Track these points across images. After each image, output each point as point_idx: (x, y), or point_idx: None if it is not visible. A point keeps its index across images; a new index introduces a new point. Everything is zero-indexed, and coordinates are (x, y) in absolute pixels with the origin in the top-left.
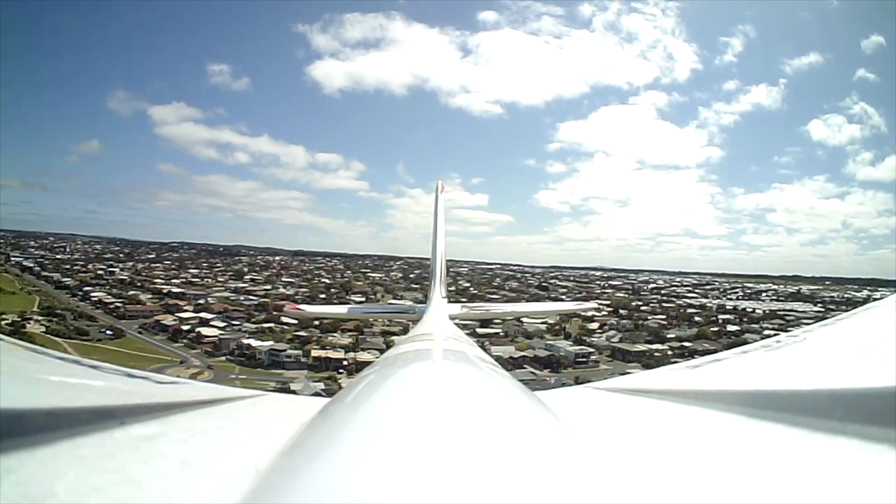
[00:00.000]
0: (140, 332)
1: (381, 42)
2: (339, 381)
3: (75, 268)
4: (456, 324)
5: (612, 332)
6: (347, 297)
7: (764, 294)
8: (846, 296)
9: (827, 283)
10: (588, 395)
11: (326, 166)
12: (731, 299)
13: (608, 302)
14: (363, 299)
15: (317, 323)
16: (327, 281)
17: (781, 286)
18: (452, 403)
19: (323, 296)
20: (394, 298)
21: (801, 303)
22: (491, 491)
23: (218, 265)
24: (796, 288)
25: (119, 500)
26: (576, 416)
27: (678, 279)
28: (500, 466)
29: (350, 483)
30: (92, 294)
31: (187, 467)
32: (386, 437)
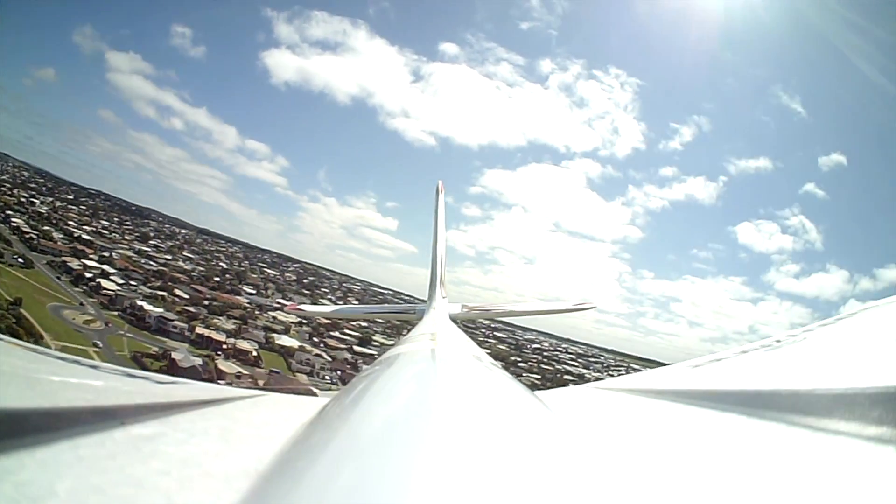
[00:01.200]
0: (47, 267)
1: (340, 47)
2: (216, 360)
3: (2, 189)
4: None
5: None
6: (239, 286)
7: None
8: None
9: None
10: (588, 394)
11: (253, 154)
12: (611, 375)
13: (489, 353)
14: (254, 292)
15: (206, 303)
16: (224, 265)
17: None
18: (453, 403)
19: (217, 279)
20: (283, 297)
21: None
22: (492, 491)
23: (128, 223)
24: None
25: (119, 500)
26: (576, 415)
27: (564, 345)
28: (501, 466)
29: (350, 483)
30: (12, 219)
31: (187, 467)
32: (386, 437)
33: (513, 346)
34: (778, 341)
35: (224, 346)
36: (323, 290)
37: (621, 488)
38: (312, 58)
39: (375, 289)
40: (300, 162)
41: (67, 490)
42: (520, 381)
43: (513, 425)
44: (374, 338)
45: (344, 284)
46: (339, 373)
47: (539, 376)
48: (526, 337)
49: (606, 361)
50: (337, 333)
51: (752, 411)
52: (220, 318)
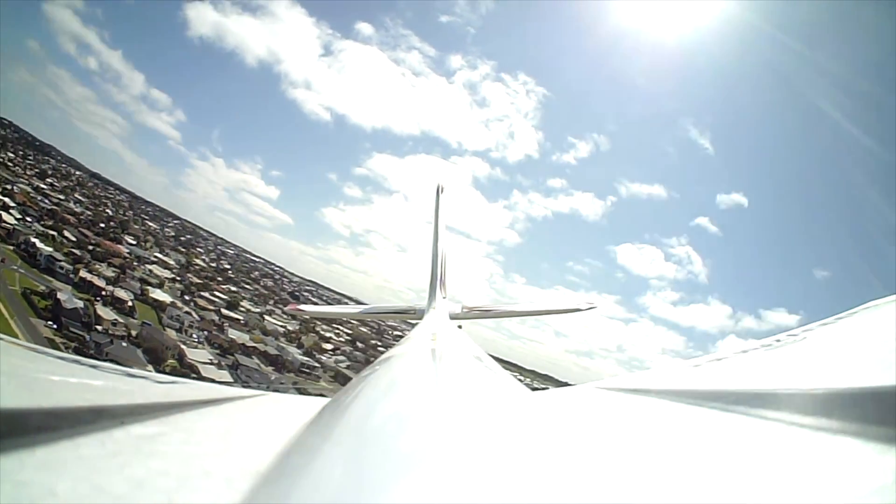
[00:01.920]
0: None
1: (261, 10)
2: (96, 306)
3: None
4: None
5: (342, 358)
6: (122, 235)
7: None
8: None
9: None
10: (588, 394)
11: (155, 103)
12: None
13: (350, 332)
14: (135, 243)
15: (90, 247)
16: (110, 212)
17: (529, 378)
18: (453, 403)
19: (102, 225)
20: (160, 252)
21: None
22: (492, 491)
23: (30, 158)
24: (545, 386)
25: (119, 500)
26: (576, 415)
27: None
28: (501, 466)
29: (351, 483)
30: None
31: (187, 467)
32: (387, 437)
33: (375, 330)
34: (778, 341)
35: (103, 293)
36: (198, 249)
37: (621, 488)
38: (232, 16)
39: (248, 255)
40: (197, 118)
41: (67, 490)
42: (520, 381)
43: (513, 425)
44: (241, 303)
45: (219, 247)
46: (206, 333)
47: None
48: (389, 323)
49: None
50: (207, 294)
51: (752, 411)
52: (102, 264)
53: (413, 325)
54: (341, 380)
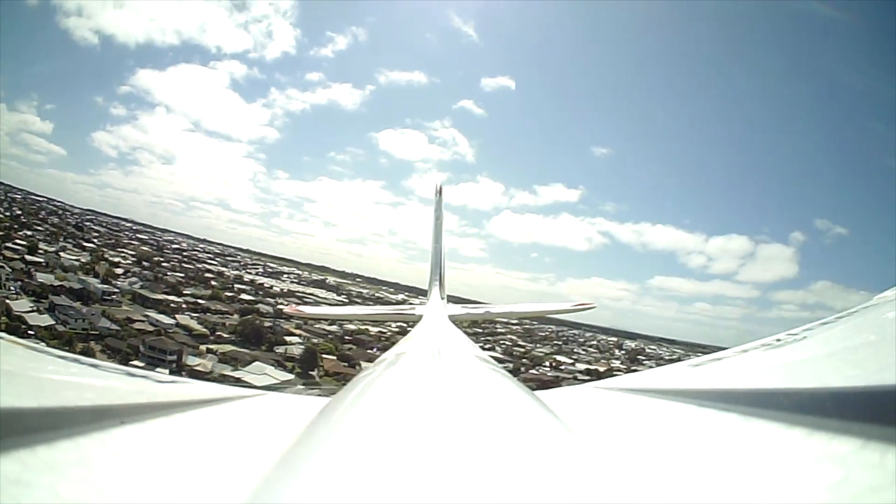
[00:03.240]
0: None
1: None
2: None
3: None
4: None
5: (134, 279)
6: None
7: (286, 276)
8: (378, 294)
9: (358, 279)
10: (588, 394)
11: None
12: (249, 273)
13: (133, 253)
14: None
15: None
16: None
17: (306, 272)
18: (453, 404)
19: None
20: None
21: (323, 290)
22: (492, 491)
23: None
24: (322, 277)
25: (119, 500)
26: (576, 415)
27: (202, 245)
28: (501, 466)
29: (351, 483)
30: None
31: (187, 467)
32: (387, 438)
33: (155, 247)
34: (778, 340)
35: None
36: None
37: (622, 488)
38: None
39: (34, 197)
40: None
41: (68, 490)
42: (520, 381)
43: (513, 426)
44: (39, 246)
45: (9, 195)
46: (20, 282)
47: (182, 274)
48: (165, 238)
49: (243, 260)
50: (11, 244)
51: (752, 411)
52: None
53: (413, 326)
54: (139, 300)
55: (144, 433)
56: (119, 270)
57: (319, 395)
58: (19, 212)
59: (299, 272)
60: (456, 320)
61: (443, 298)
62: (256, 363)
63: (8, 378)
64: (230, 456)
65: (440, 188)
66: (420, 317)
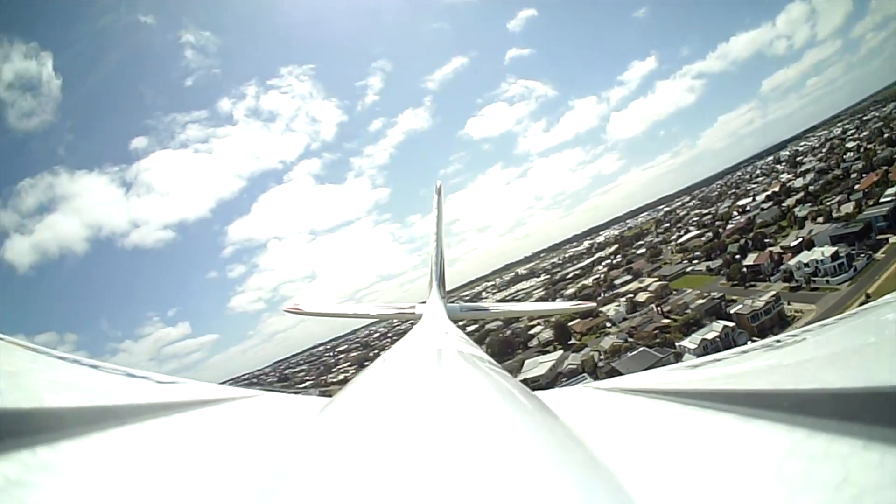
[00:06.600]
0: None
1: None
2: None
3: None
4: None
5: None
6: None
7: (483, 293)
8: (568, 254)
9: (541, 254)
10: (588, 394)
11: None
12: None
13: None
14: None
15: None
16: None
17: (497, 279)
18: (453, 403)
19: None
20: None
21: (521, 282)
22: (492, 491)
23: None
24: (512, 273)
25: (119, 500)
26: (576, 415)
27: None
28: (501, 467)
29: (351, 483)
30: None
31: (187, 467)
32: (386, 438)
33: None
34: (778, 341)
35: None
36: None
37: (621, 488)
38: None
39: None
40: None
41: (68, 490)
42: (520, 381)
43: (513, 426)
44: None
45: None
46: None
47: None
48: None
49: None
50: None
51: (752, 411)
52: None
53: (413, 326)
54: None
55: (144, 433)
56: None
57: (319, 396)
58: None
59: (490, 282)
60: (456, 319)
61: (443, 297)
62: (526, 361)
63: (8, 378)
64: (230, 456)
65: (440, 188)
66: (420, 316)
